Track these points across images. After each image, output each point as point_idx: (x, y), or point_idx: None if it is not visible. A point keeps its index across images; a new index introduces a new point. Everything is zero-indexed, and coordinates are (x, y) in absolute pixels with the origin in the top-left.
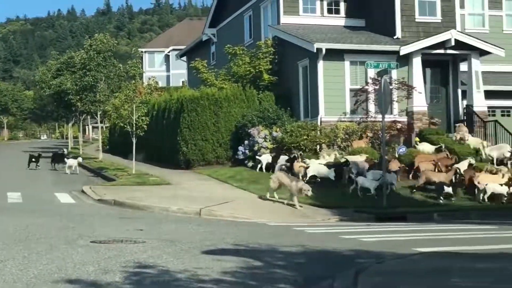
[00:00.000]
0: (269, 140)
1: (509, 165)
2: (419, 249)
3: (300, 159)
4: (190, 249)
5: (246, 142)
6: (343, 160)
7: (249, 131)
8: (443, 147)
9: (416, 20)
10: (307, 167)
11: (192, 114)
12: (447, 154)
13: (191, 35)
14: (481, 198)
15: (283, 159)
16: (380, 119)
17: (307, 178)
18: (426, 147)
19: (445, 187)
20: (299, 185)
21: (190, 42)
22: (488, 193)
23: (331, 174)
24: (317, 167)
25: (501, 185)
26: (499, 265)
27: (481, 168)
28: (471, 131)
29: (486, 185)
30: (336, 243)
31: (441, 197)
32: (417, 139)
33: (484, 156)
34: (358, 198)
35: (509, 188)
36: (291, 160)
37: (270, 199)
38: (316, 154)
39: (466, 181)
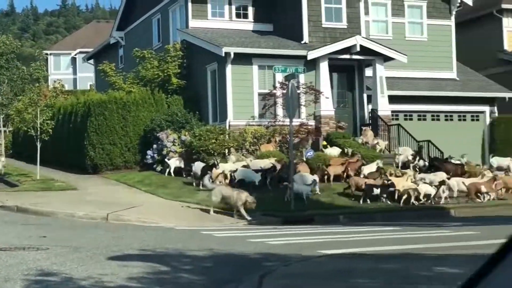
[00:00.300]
0: (178, 144)
1: (411, 168)
2: (325, 251)
3: (218, 165)
4: (95, 255)
5: (154, 146)
6: (270, 165)
7: (157, 135)
8: (350, 151)
9: (323, 26)
10: (222, 173)
11: (100, 118)
12: (359, 157)
13: (98, 38)
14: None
15: (198, 166)
16: (288, 123)
17: (235, 182)
18: (332, 151)
19: (374, 189)
20: (243, 197)
21: (97, 45)
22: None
23: (257, 178)
24: (244, 171)
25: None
26: (399, 266)
27: (387, 171)
28: (376, 135)
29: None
30: (244, 246)
31: (368, 200)
32: (325, 142)
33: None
34: (280, 202)
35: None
36: (209, 168)
37: (214, 214)
38: (224, 158)
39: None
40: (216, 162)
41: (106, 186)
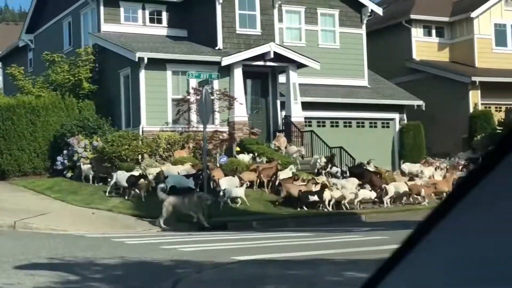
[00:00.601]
0: (90, 150)
1: (323, 174)
2: (238, 257)
3: (147, 174)
4: (1, 264)
5: (65, 152)
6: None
7: (68, 140)
8: (264, 158)
9: (237, 32)
10: (149, 182)
11: (8, 123)
12: (278, 163)
13: (7, 40)
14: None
15: (122, 176)
16: (202, 129)
17: (168, 189)
18: (245, 157)
19: (310, 196)
20: (195, 200)
21: (5, 48)
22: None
23: (190, 183)
24: (176, 178)
25: (314, 193)
26: (309, 271)
27: (300, 177)
28: (289, 141)
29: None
30: (156, 253)
31: (304, 207)
32: (238, 148)
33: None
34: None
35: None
36: (136, 178)
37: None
38: (138, 164)
39: (284, 190)
40: (143, 172)
41: (14, 192)
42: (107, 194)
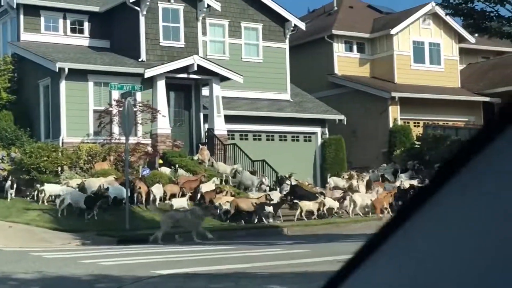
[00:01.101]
0: (7, 162)
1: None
2: (159, 271)
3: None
4: None
5: None
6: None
7: None
8: (183, 171)
9: (161, 44)
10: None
11: None
12: (203, 176)
13: None
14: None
15: (79, 196)
16: (124, 141)
17: (64, 206)
18: (166, 170)
19: (266, 207)
20: (200, 213)
21: None
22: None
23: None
24: (118, 189)
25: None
26: (232, 284)
27: (223, 189)
28: (212, 154)
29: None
30: (75, 268)
31: (264, 218)
32: (161, 161)
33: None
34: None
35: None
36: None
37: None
38: (57, 176)
39: (206, 202)
40: (99, 191)
41: None
42: (59, 214)
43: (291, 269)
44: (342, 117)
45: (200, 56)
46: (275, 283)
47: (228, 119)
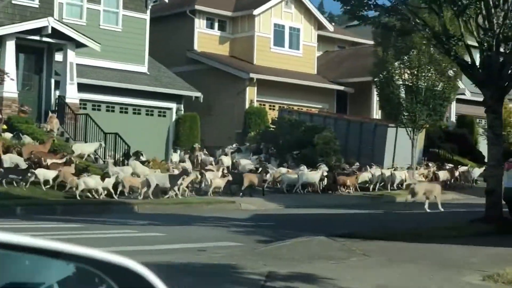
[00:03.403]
0: None
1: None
2: None
3: None
4: None
5: None
6: None
7: None
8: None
9: (13, 2)
10: None
11: None
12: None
13: None
14: (77, 194)
15: None
16: None
17: None
18: (9, 136)
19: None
20: None
21: None
22: (80, 188)
23: None
24: None
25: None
26: None
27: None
28: (62, 123)
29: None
30: None
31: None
32: (5, 126)
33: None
34: None
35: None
36: None
37: None
38: None
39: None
40: None
41: None
42: None
43: (144, 257)
44: (198, 94)
45: (55, 19)
46: None
47: (81, 87)
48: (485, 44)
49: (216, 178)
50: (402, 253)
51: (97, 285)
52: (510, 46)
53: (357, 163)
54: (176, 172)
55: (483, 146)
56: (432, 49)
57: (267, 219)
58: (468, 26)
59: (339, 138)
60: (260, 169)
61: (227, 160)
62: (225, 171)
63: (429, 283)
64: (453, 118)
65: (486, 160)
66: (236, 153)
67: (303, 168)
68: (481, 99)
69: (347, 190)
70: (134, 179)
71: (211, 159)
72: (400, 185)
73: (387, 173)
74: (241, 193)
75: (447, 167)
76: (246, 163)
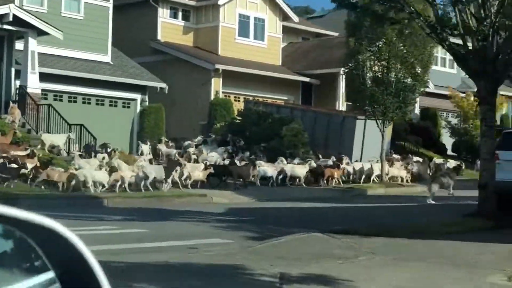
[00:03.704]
0: None
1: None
2: None
3: None
4: None
5: None
6: None
7: None
8: None
9: None
10: None
11: None
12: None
13: None
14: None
15: None
16: None
17: None
18: None
19: None
20: None
21: None
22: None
23: None
24: None
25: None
26: None
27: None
28: (23, 114)
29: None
30: None
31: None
32: None
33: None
34: None
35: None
36: None
37: None
38: None
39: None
40: None
41: None
42: None
43: (135, 257)
44: (163, 85)
45: (16, 6)
46: (133, 279)
47: (42, 77)
48: (480, 33)
49: (195, 171)
50: (407, 251)
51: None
52: (505, 35)
53: (333, 157)
54: (143, 164)
55: (446, 138)
56: (401, 44)
57: (245, 214)
58: (463, 15)
59: (307, 130)
60: (247, 163)
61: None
62: (208, 164)
63: (451, 285)
64: (417, 111)
65: (448, 152)
66: (203, 145)
67: (282, 160)
68: (444, 92)
69: (333, 183)
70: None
71: (174, 151)
72: (378, 178)
73: (366, 166)
74: (235, 186)
75: (420, 160)
76: (214, 155)
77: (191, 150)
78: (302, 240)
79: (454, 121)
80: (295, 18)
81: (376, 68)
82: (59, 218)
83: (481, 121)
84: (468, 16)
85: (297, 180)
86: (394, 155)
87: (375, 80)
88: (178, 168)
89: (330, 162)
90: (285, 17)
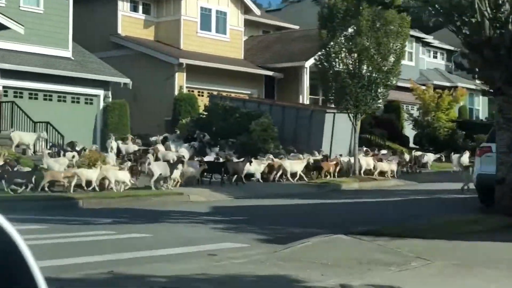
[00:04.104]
0: None
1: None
2: None
3: None
4: None
5: None
6: None
7: None
8: None
9: None
10: None
11: None
12: None
13: None
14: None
15: None
16: None
17: None
18: None
19: None
20: None
21: None
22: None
23: None
24: None
25: None
26: None
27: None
28: None
29: None
30: None
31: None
32: None
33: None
34: None
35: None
36: None
37: None
38: None
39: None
40: None
41: None
42: None
43: (169, 269)
44: (127, 80)
45: None
46: None
47: (1, 73)
48: (498, 20)
49: (189, 167)
50: (460, 255)
51: None
52: None
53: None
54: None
55: (408, 131)
56: (377, 33)
57: (234, 213)
58: (479, 3)
59: (275, 124)
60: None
61: (162, 149)
62: (203, 160)
63: None
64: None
65: (411, 144)
66: (170, 141)
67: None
68: (405, 85)
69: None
70: (58, 173)
71: (136, 148)
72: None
73: (351, 160)
74: (233, 181)
75: (394, 153)
76: (183, 151)
77: (159, 146)
78: (331, 243)
79: (415, 113)
80: (256, 11)
81: (349, 61)
82: (43, 223)
83: (497, 113)
84: (485, 3)
85: (292, 175)
86: (364, 148)
87: (348, 73)
88: (180, 165)
89: (320, 157)
90: (246, 9)
